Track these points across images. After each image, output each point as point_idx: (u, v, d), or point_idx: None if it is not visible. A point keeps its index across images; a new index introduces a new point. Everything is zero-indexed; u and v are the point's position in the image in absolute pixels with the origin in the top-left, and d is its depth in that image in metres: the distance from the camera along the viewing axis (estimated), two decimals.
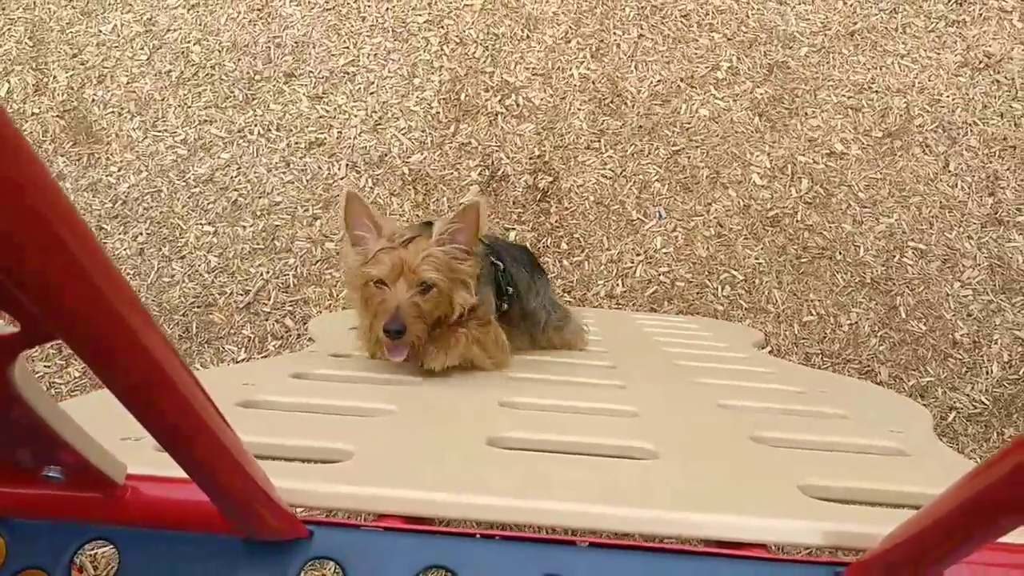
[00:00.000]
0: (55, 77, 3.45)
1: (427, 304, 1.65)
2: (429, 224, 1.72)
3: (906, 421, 1.47)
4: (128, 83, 3.44)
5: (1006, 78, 3.45)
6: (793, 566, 0.86)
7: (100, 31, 3.55)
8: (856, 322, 3.05)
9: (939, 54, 3.51)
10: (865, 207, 3.23)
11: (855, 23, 3.58)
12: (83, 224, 0.44)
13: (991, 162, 3.28)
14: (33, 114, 3.37)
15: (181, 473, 0.67)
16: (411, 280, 1.63)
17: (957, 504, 0.63)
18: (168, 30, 3.54)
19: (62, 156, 3.28)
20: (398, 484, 0.94)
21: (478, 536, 0.88)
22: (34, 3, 3.63)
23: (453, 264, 1.67)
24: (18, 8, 3.64)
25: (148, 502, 0.81)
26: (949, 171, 3.28)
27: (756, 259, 3.15)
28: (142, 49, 3.51)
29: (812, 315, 3.06)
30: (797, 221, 3.20)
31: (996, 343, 3.02)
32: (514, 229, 3.18)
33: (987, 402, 2.92)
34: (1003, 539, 0.79)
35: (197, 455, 0.63)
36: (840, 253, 3.16)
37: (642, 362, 2.07)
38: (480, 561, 0.85)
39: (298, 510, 0.88)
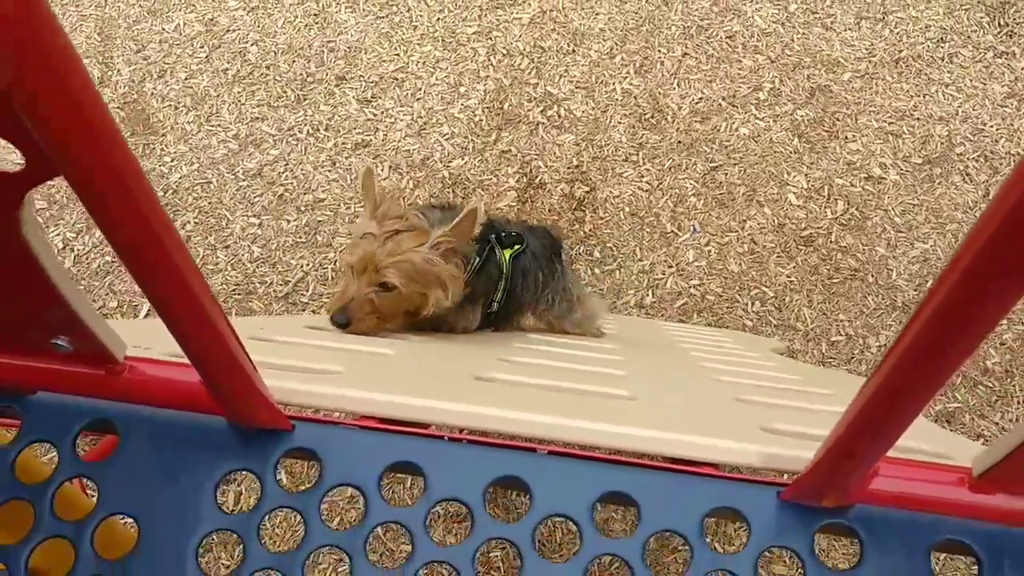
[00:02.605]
0: (119, 71, 3.61)
1: (384, 302, 1.67)
2: (448, 208, 1.77)
3: None
4: (186, 79, 3.58)
5: None
6: (739, 484, 0.91)
7: (164, 29, 3.71)
8: (885, 344, 3.05)
9: (985, 84, 3.52)
10: (900, 232, 3.24)
11: (900, 51, 3.60)
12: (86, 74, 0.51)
13: None
14: None
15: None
16: (373, 279, 1.65)
17: (856, 411, 0.69)
18: (227, 30, 3.68)
19: None
20: (376, 390, 1.00)
21: (446, 439, 0.94)
22: (105, 1, 3.81)
23: (430, 269, 1.67)
24: (91, 5, 3.82)
25: (145, 380, 0.89)
26: (989, 200, 3.26)
27: (788, 277, 3.17)
28: (202, 47, 3.66)
29: (841, 335, 3.07)
30: (831, 242, 3.22)
31: None
32: None
33: None
34: (928, 458, 0.85)
35: (186, 324, 0.70)
36: (872, 276, 3.16)
37: (648, 345, 2.12)
38: (445, 460, 0.91)
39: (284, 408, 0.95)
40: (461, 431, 0.98)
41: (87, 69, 0.53)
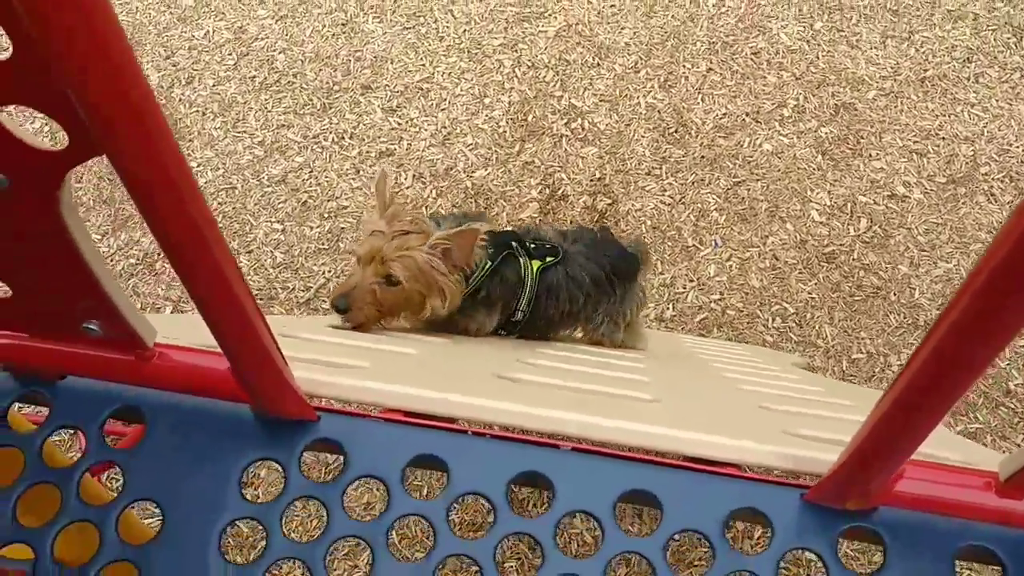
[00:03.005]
0: (148, 76, 3.64)
1: (386, 295, 1.70)
2: (470, 216, 1.79)
3: None
4: (214, 85, 3.62)
5: None
6: (762, 485, 0.90)
7: (193, 36, 3.75)
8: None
9: (1012, 104, 3.50)
10: (924, 251, 3.22)
11: (926, 70, 3.59)
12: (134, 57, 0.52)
13: None
14: None
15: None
16: (378, 270, 1.68)
17: (882, 411, 0.68)
18: (256, 38, 3.72)
19: None
20: (402, 384, 1.01)
21: (470, 433, 0.94)
22: (136, 8, 3.86)
23: (432, 274, 1.71)
24: (122, 12, 3.87)
25: (174, 367, 0.90)
26: (1008, 215, 3.24)
27: (809, 293, 3.15)
28: (230, 55, 3.70)
29: (862, 353, 3.05)
30: (853, 259, 3.21)
31: None
32: None
33: None
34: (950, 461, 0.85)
35: (220, 308, 0.71)
36: (895, 294, 3.14)
37: (669, 357, 2.12)
38: (469, 454, 0.92)
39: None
40: (485, 426, 0.98)
41: (131, 47, 0.54)
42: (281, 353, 0.86)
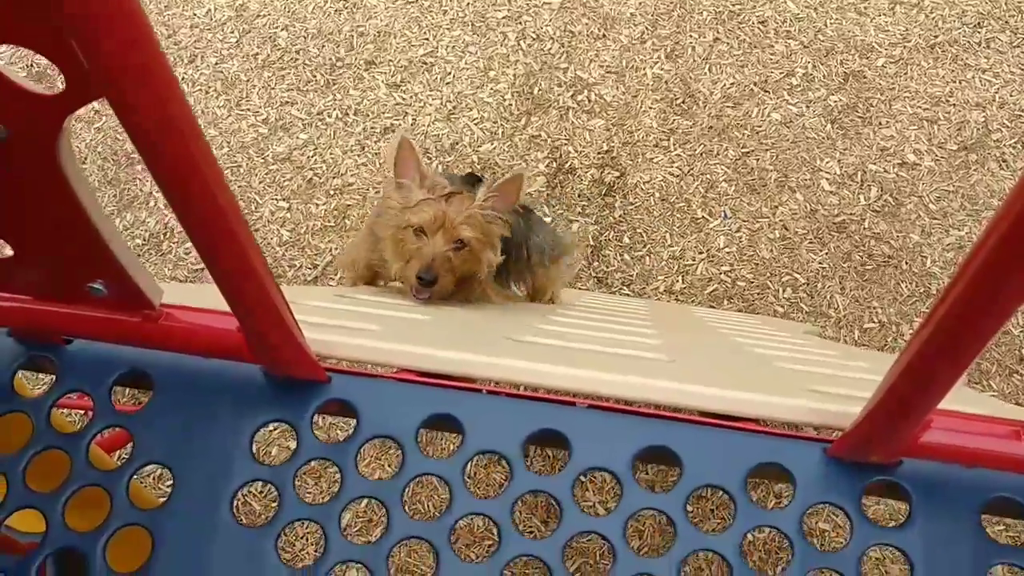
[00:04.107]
0: None
1: (458, 260, 1.72)
2: (471, 176, 1.79)
3: None
4: (216, 64, 3.60)
5: None
6: (784, 440, 0.88)
7: (195, 14, 3.72)
8: None
9: (1023, 69, 3.45)
10: (935, 218, 3.19)
11: (936, 36, 3.54)
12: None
13: None
14: None
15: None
16: (449, 235, 1.69)
17: (907, 362, 0.66)
18: (258, 16, 3.69)
19: None
20: (415, 345, 0.99)
21: (484, 391, 0.92)
22: None
23: (487, 227, 1.74)
24: None
25: (181, 327, 0.88)
26: None
27: (820, 264, 3.12)
28: (232, 32, 3.67)
29: (874, 322, 3.02)
30: (864, 228, 3.17)
31: None
32: (577, 221, 3.22)
33: None
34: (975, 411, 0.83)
35: (229, 262, 0.69)
36: (906, 263, 3.11)
37: (681, 326, 2.10)
38: (484, 412, 0.90)
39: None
40: (499, 384, 0.96)
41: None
42: (292, 313, 0.84)
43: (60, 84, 0.63)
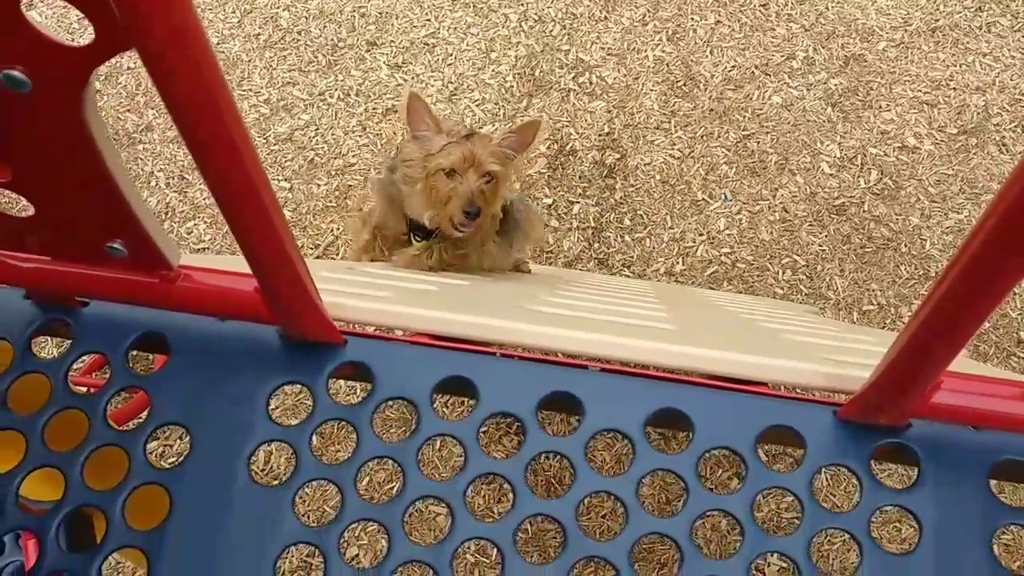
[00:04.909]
0: None
1: (489, 193, 1.87)
2: (473, 135, 1.87)
3: None
4: (218, 44, 3.59)
5: None
6: (795, 403, 0.90)
7: None
8: None
9: None
10: (935, 202, 3.20)
11: (937, 20, 3.55)
12: None
13: None
14: (128, 68, 3.53)
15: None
16: (480, 170, 1.83)
17: (919, 323, 0.67)
18: None
19: (152, 109, 3.44)
20: (429, 309, 1.00)
21: (498, 355, 0.93)
22: None
23: (508, 162, 1.89)
24: None
25: (199, 288, 0.89)
26: None
27: (820, 246, 3.14)
28: (234, 12, 3.66)
29: (873, 304, 3.04)
30: (864, 211, 3.19)
31: None
32: (578, 203, 3.23)
33: None
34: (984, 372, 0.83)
35: (250, 218, 0.70)
36: (906, 245, 3.13)
37: (687, 301, 2.12)
38: (497, 376, 0.91)
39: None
40: (514, 349, 0.97)
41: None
42: (309, 274, 0.85)
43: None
